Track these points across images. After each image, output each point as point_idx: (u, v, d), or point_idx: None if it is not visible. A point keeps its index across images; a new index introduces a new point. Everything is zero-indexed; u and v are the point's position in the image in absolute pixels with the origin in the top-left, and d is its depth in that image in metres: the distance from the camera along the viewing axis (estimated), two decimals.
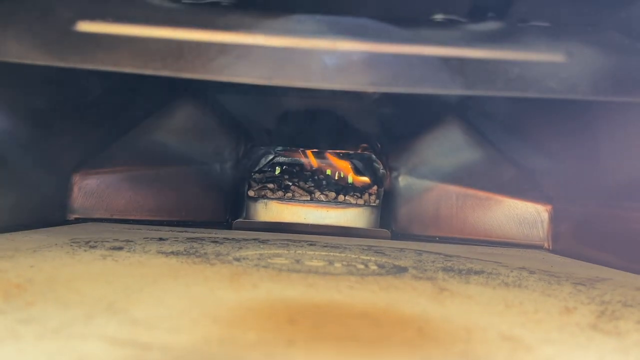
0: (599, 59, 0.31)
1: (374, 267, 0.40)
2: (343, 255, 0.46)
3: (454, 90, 0.28)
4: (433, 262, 0.46)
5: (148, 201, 0.70)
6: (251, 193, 0.72)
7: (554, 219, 0.71)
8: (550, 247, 0.70)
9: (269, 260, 0.40)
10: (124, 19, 0.29)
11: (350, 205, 0.71)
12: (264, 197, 0.71)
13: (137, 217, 0.69)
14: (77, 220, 0.65)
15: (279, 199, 0.71)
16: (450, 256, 0.51)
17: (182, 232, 0.59)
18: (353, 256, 0.46)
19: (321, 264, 0.40)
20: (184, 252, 0.41)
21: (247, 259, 0.40)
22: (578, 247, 0.64)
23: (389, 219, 0.77)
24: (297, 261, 0.40)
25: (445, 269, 0.41)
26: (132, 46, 0.28)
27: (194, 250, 0.43)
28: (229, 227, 0.69)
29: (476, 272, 0.40)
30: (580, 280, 0.41)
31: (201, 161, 0.74)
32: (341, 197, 0.72)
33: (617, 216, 0.57)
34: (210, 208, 0.73)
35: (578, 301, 0.31)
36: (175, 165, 0.72)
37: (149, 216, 0.70)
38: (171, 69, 0.28)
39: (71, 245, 0.41)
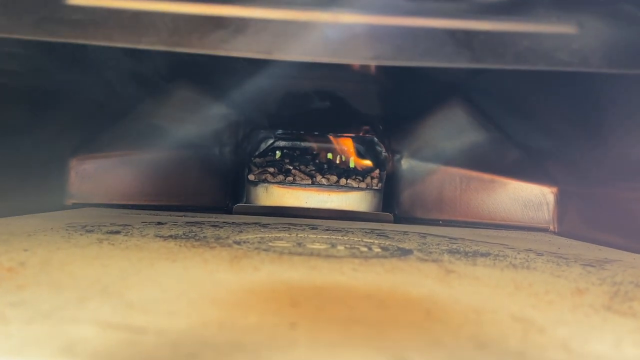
0: (611, 30, 0.30)
1: (378, 250, 0.39)
2: (346, 238, 0.45)
3: (461, 63, 0.27)
4: (438, 244, 0.45)
5: (147, 186, 0.69)
6: (251, 177, 0.71)
7: (559, 201, 0.70)
8: (556, 230, 0.69)
9: (269, 244, 0.39)
10: None
11: (352, 188, 0.70)
12: (265, 181, 0.70)
13: (136, 202, 0.68)
14: (75, 206, 0.64)
15: (279, 182, 0.70)
16: (455, 239, 0.50)
17: (181, 216, 0.58)
18: (356, 239, 0.45)
19: (323, 246, 0.39)
20: (183, 236, 0.40)
21: (248, 242, 0.39)
22: (584, 229, 0.63)
23: (392, 202, 0.76)
24: (299, 244, 0.40)
25: (451, 251, 0.40)
26: (124, 20, 0.27)
27: (193, 234, 0.42)
28: (230, 211, 0.68)
29: (482, 255, 0.40)
30: (589, 261, 0.40)
31: (200, 145, 0.73)
32: (343, 181, 0.71)
33: (624, 197, 0.56)
34: (210, 192, 0.72)
35: (589, 282, 0.30)
36: (174, 150, 0.71)
37: (148, 201, 0.69)
38: (165, 44, 0.26)
39: (67, 230, 0.40)
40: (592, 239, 0.58)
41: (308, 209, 0.68)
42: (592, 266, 0.37)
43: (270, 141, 0.82)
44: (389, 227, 0.59)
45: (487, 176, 0.74)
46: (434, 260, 0.35)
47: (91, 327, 0.17)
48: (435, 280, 0.28)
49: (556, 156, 0.70)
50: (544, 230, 0.70)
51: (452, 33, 0.28)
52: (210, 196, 0.72)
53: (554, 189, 0.70)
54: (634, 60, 0.29)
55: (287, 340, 0.17)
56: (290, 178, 0.71)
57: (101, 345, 0.15)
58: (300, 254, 0.34)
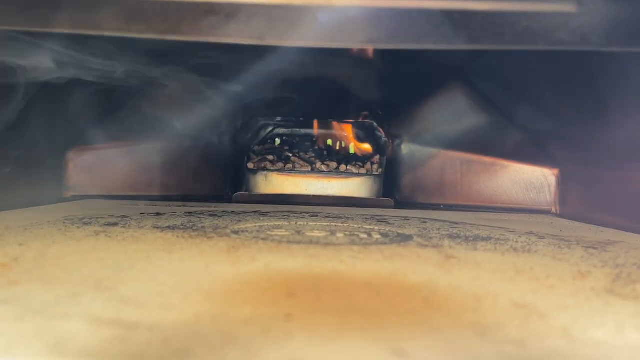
0: (610, 8, 0.29)
1: (378, 236, 0.38)
2: (345, 225, 0.45)
3: (458, 45, 0.27)
4: (438, 229, 0.44)
5: (145, 176, 0.69)
6: (250, 165, 0.71)
7: (561, 182, 0.69)
8: (558, 212, 0.69)
9: (268, 233, 0.38)
10: None
11: (352, 175, 0.70)
12: (264, 169, 0.69)
13: (135, 193, 0.68)
14: (74, 198, 0.64)
15: (279, 170, 0.69)
16: (456, 223, 0.50)
17: (180, 206, 0.57)
18: (356, 226, 0.44)
19: (323, 234, 0.38)
20: (181, 227, 0.40)
21: (246, 231, 0.39)
22: (586, 211, 0.63)
23: (393, 187, 0.76)
24: (298, 232, 0.39)
25: (452, 236, 0.40)
26: (112, 7, 0.26)
27: (192, 224, 0.41)
28: (229, 200, 0.68)
29: (483, 239, 0.39)
30: (591, 243, 0.39)
31: (199, 134, 0.72)
32: (343, 167, 0.70)
33: (627, 178, 0.56)
34: (210, 181, 0.71)
35: (591, 265, 0.30)
36: (172, 140, 0.70)
37: (148, 192, 0.68)
38: (156, 31, 0.26)
39: (64, 223, 0.40)
40: (595, 221, 0.57)
41: (308, 196, 0.68)
42: (595, 248, 0.37)
43: (270, 129, 0.81)
44: (389, 212, 0.59)
45: (488, 159, 0.74)
46: (434, 246, 0.35)
47: (82, 323, 0.17)
48: (434, 267, 0.28)
49: (558, 138, 0.69)
50: (546, 212, 0.69)
51: (448, 14, 0.27)
52: (210, 185, 0.71)
53: (556, 171, 0.70)
54: (635, 38, 0.29)
55: (282, 332, 0.16)
56: (290, 165, 0.71)
57: (91, 342, 0.15)
58: (299, 243, 0.34)
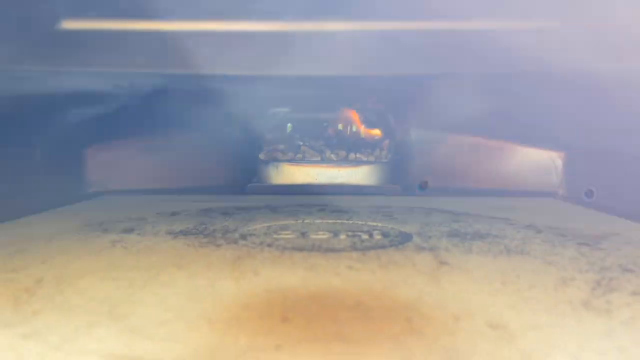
0: None
1: (379, 237, 0.40)
2: (350, 222, 0.47)
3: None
4: (440, 224, 0.46)
5: (162, 171, 0.71)
6: (262, 156, 0.73)
7: (568, 165, 0.70)
8: (565, 194, 0.70)
9: (274, 236, 0.40)
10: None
11: (361, 162, 0.71)
12: (275, 159, 0.71)
13: (153, 186, 0.70)
14: (96, 194, 0.67)
15: (289, 160, 0.71)
16: (459, 215, 0.51)
17: (195, 202, 0.60)
18: (360, 223, 0.46)
19: (326, 236, 0.40)
20: (193, 231, 0.42)
21: (254, 234, 0.41)
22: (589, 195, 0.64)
23: (402, 173, 0.77)
24: (303, 234, 0.41)
25: (451, 234, 0.41)
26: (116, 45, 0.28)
27: (203, 227, 0.44)
28: (243, 191, 0.70)
29: (481, 236, 0.41)
30: (586, 238, 0.40)
31: (211, 127, 0.74)
32: (352, 156, 0.72)
33: (634, 162, 0.56)
34: (224, 173, 0.73)
35: (577, 269, 0.32)
36: (187, 135, 0.72)
37: (165, 185, 0.71)
38: (150, 66, 0.27)
39: (85, 231, 0.42)
40: (600, 204, 0.58)
41: (318, 185, 0.69)
42: (588, 245, 0.38)
43: (281, 117, 0.83)
44: (396, 202, 0.60)
45: (496, 143, 0.75)
46: (430, 249, 0.36)
47: (96, 359, 0.19)
48: (426, 279, 0.29)
49: (565, 121, 0.69)
50: (553, 194, 0.70)
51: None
52: (224, 177, 0.73)
53: (562, 154, 0.70)
54: None
55: None
56: (300, 155, 0.72)
57: None
58: (301, 250, 0.36)
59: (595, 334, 0.22)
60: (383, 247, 0.37)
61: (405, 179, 0.76)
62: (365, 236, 0.41)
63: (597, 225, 0.47)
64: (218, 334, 0.21)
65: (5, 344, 0.21)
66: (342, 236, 0.41)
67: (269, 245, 0.37)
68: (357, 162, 0.71)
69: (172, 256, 0.34)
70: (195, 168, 0.72)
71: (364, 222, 0.47)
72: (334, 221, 0.47)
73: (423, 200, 0.63)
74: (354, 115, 0.83)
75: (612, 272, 0.31)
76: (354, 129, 0.83)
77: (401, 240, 0.40)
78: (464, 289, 0.28)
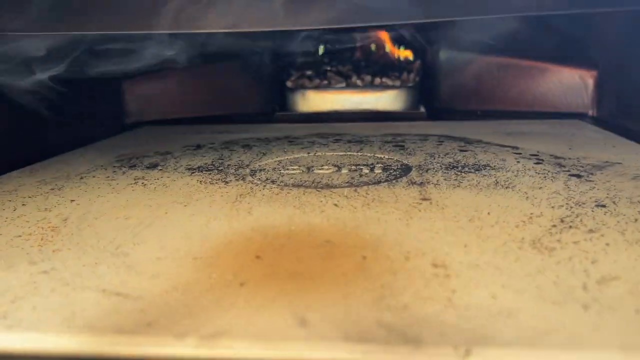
0: None
1: (379, 172, 0.43)
2: (359, 154, 0.49)
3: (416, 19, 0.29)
4: (445, 155, 0.48)
5: (194, 99, 0.75)
6: (289, 84, 0.75)
7: (599, 85, 0.68)
8: (595, 114, 0.69)
9: (282, 171, 0.44)
10: None
11: (386, 87, 0.72)
12: (302, 87, 0.73)
13: (187, 115, 0.74)
14: (134, 125, 0.72)
15: (315, 87, 0.73)
16: (469, 144, 0.52)
17: (222, 132, 0.63)
18: (368, 155, 0.49)
19: (329, 171, 0.43)
20: (210, 167, 0.46)
21: (264, 169, 0.44)
22: (621, 116, 0.63)
23: (430, 96, 0.77)
24: (309, 169, 0.44)
25: (450, 167, 0.43)
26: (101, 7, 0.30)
27: (220, 162, 0.48)
28: (271, 119, 0.73)
29: (478, 169, 0.42)
30: (583, 168, 0.42)
31: (241, 54, 0.76)
32: (377, 81, 0.73)
33: None
34: (254, 101, 0.76)
35: (550, 204, 0.33)
36: (217, 62, 0.75)
37: (198, 113, 0.75)
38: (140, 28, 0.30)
39: (114, 167, 0.47)
40: (628, 127, 0.58)
41: (342, 112, 0.71)
42: (579, 176, 0.40)
43: (309, 41, 0.84)
44: (414, 129, 0.62)
45: (525, 63, 0.73)
46: (421, 184, 0.39)
47: (93, 294, 0.23)
48: (400, 215, 0.32)
49: (597, 39, 0.67)
50: (583, 115, 0.69)
51: None
52: (254, 105, 0.76)
53: (594, 73, 0.69)
54: None
55: (230, 302, 0.22)
56: (326, 82, 0.74)
57: (91, 316, 0.22)
58: (300, 186, 0.39)
59: (523, 273, 0.24)
60: (378, 182, 0.40)
61: (432, 103, 0.77)
62: (366, 170, 0.43)
63: (605, 152, 0.47)
64: (196, 271, 0.25)
65: (28, 278, 0.25)
66: (344, 170, 0.44)
67: (273, 182, 0.41)
68: (383, 87, 0.72)
69: (183, 194, 0.38)
70: (226, 97, 0.75)
71: (372, 154, 0.49)
72: (343, 153, 0.50)
73: (443, 126, 0.64)
74: (384, 36, 0.83)
75: (584, 208, 0.33)
76: (386, 49, 0.83)
77: (399, 174, 0.42)
78: (429, 227, 0.30)
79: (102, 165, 0.48)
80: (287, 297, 0.22)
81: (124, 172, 0.45)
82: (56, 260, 0.27)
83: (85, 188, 0.41)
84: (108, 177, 0.44)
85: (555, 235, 0.28)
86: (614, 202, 0.33)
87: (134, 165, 0.48)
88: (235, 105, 0.76)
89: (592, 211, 0.32)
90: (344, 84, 0.72)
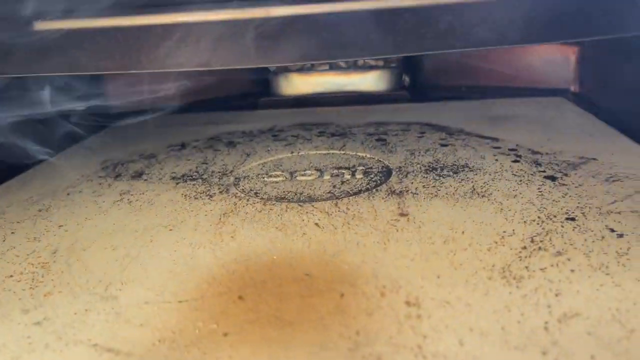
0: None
1: (359, 176, 0.44)
2: (341, 152, 0.50)
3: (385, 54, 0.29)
4: (426, 152, 0.49)
5: (177, 86, 0.74)
6: (272, 67, 0.74)
7: (581, 61, 0.68)
8: (577, 90, 0.69)
9: (264, 179, 0.45)
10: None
11: (370, 68, 0.72)
12: (284, 70, 0.73)
13: (171, 103, 0.74)
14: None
15: (298, 70, 0.73)
16: (451, 135, 0.53)
17: (206, 124, 0.64)
18: (350, 154, 0.50)
19: (311, 177, 0.44)
20: (195, 173, 0.47)
21: (247, 177, 0.45)
22: (603, 93, 0.64)
23: (413, 71, 0.77)
24: (292, 175, 0.45)
25: (429, 168, 0.44)
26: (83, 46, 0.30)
27: (204, 167, 0.48)
28: (256, 106, 0.73)
29: (456, 171, 0.43)
30: (559, 167, 0.43)
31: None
32: (361, 62, 0.72)
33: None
34: (237, 85, 0.76)
35: (523, 218, 0.34)
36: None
37: (181, 101, 0.75)
38: (117, 68, 0.30)
39: (100, 177, 0.48)
40: (608, 106, 0.59)
41: (326, 95, 0.72)
42: (554, 179, 0.41)
43: None
44: (397, 115, 0.62)
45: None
46: (399, 193, 0.40)
47: (85, 350, 0.25)
48: (379, 237, 0.33)
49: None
50: (565, 91, 0.70)
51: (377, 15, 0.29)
52: (237, 89, 0.76)
53: (576, 49, 0.69)
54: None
55: (215, 356, 0.24)
56: (309, 64, 0.74)
57: None
58: (282, 199, 0.40)
59: (491, 310, 0.26)
60: (358, 192, 0.41)
61: (416, 80, 0.77)
62: (347, 175, 0.44)
63: (581, 144, 0.48)
64: (182, 318, 0.27)
65: (22, 331, 0.27)
66: (327, 176, 0.44)
67: (256, 194, 0.42)
68: (367, 68, 0.72)
69: (168, 213, 0.39)
70: (209, 83, 0.75)
71: (354, 153, 0.50)
72: (326, 152, 0.51)
73: (426, 109, 0.64)
74: None
75: (554, 223, 0.34)
76: None
77: (380, 179, 0.43)
78: (406, 253, 0.31)
79: (88, 176, 0.49)
80: (268, 349, 0.24)
81: (109, 185, 0.46)
82: (48, 307, 0.29)
83: (72, 208, 0.42)
84: (94, 191, 0.45)
85: (524, 261, 0.30)
86: (583, 214, 0.35)
87: (119, 175, 0.48)
88: (217, 90, 0.76)
89: (562, 226, 0.33)
90: (327, 66, 0.72)
